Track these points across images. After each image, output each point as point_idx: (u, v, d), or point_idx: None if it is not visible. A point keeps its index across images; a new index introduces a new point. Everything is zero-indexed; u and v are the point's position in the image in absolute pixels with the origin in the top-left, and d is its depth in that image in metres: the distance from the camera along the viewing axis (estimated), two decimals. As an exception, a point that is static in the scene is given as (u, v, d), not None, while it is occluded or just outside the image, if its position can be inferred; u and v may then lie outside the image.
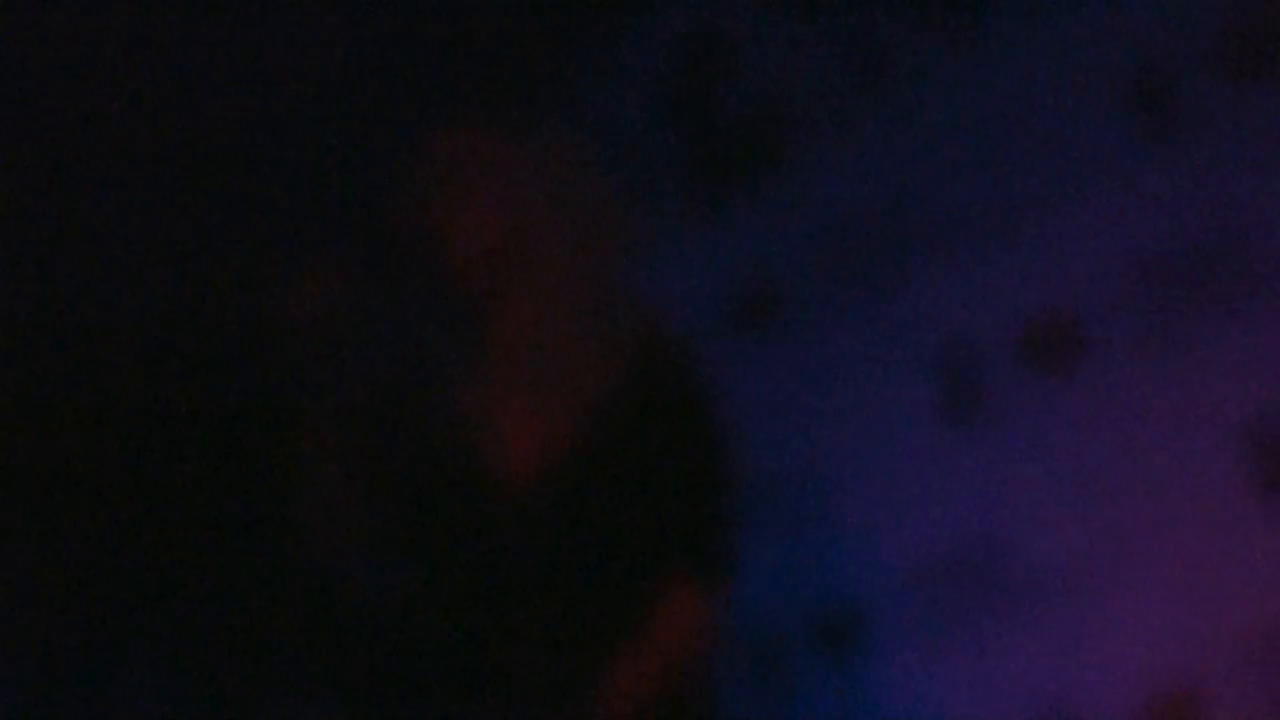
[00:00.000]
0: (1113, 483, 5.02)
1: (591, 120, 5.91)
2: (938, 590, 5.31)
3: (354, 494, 3.07)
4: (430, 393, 3.08)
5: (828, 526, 5.50)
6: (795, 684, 5.55)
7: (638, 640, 3.05)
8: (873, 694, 5.41)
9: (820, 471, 5.52)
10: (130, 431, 4.18)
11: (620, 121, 5.90)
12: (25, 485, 4.23)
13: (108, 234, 4.56)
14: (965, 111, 5.35)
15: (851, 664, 5.46)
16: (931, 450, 5.33)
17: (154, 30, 4.63)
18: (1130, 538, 4.99)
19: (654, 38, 5.93)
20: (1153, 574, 4.95)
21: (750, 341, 5.68)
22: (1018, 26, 5.28)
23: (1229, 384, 4.85)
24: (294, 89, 4.82)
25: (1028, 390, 5.19)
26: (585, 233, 3.20)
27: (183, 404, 3.52)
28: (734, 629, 3.13)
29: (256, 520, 3.19)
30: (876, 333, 5.47)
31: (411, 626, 3.04)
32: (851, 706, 5.43)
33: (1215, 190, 4.93)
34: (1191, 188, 4.97)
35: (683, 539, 3.10)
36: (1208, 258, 4.97)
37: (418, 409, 3.12)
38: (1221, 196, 4.92)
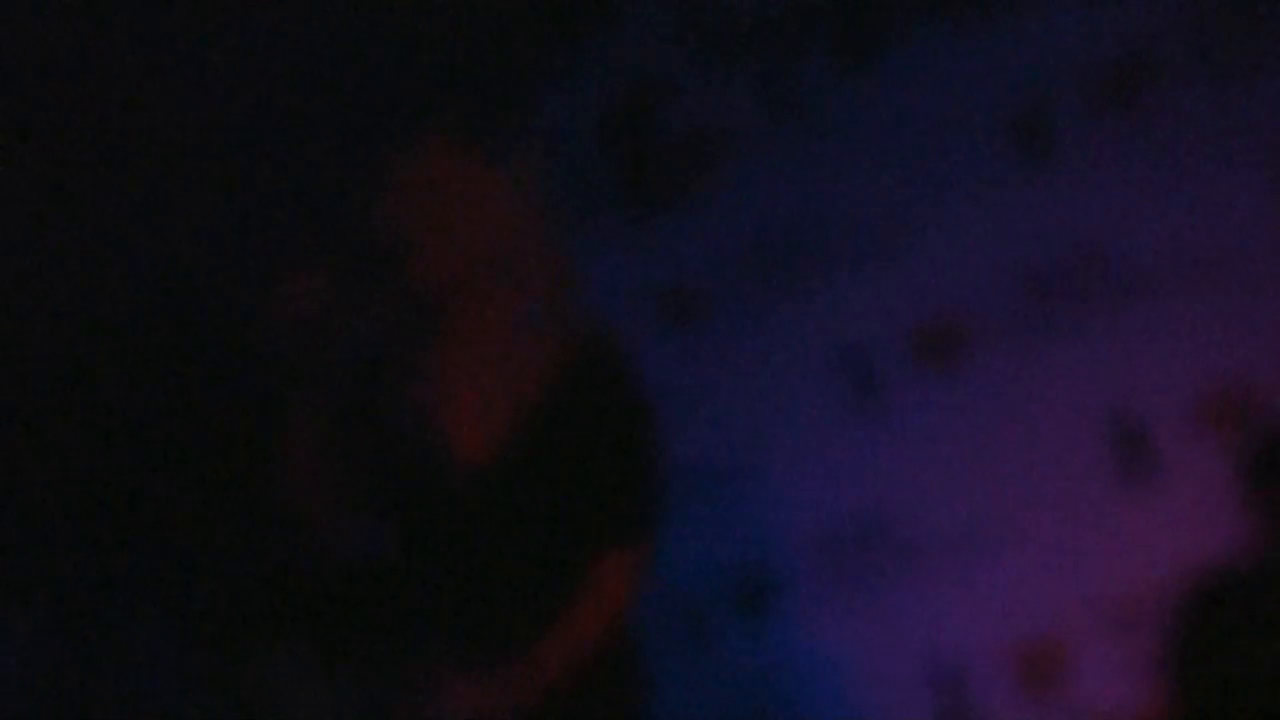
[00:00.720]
0: (991, 464, 5.08)
1: (542, 143, 5.91)
2: (840, 557, 5.34)
3: (330, 468, 3.11)
4: (396, 382, 3.12)
5: (743, 501, 5.51)
6: (714, 642, 5.57)
7: (576, 600, 3.08)
8: (784, 650, 5.42)
9: (737, 453, 5.53)
10: (139, 413, 4.17)
11: (567, 144, 5.90)
12: (44, 461, 4.22)
13: (119, 237, 4.54)
14: (866, 136, 5.36)
15: (764, 623, 5.47)
16: (835, 435, 5.36)
17: (147, 38, 4.57)
18: (1006, 512, 5.05)
19: (596, 71, 5.93)
20: (1025, 544, 5.00)
21: (675, 337, 5.68)
22: (912, 62, 5.30)
23: (1093, 379, 4.92)
24: (281, 120, 4.80)
25: (919, 383, 5.23)
26: (533, 243, 3.24)
27: (185, 389, 3.53)
28: (659, 593, 3.16)
29: (249, 489, 3.22)
30: (788, 331, 5.48)
31: (380, 581, 3.08)
32: (764, 662, 5.44)
33: (1082, 208, 4.99)
34: (1062, 206, 5.02)
35: (613, 512, 3.14)
36: (1076, 268, 5.01)
37: (385, 396, 3.16)
38: (1088, 214, 4.97)
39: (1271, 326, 4.68)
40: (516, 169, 3.20)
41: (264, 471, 3.13)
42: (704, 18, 5.72)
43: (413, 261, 3.07)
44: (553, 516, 3.10)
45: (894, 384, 5.26)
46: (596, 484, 3.13)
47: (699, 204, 5.72)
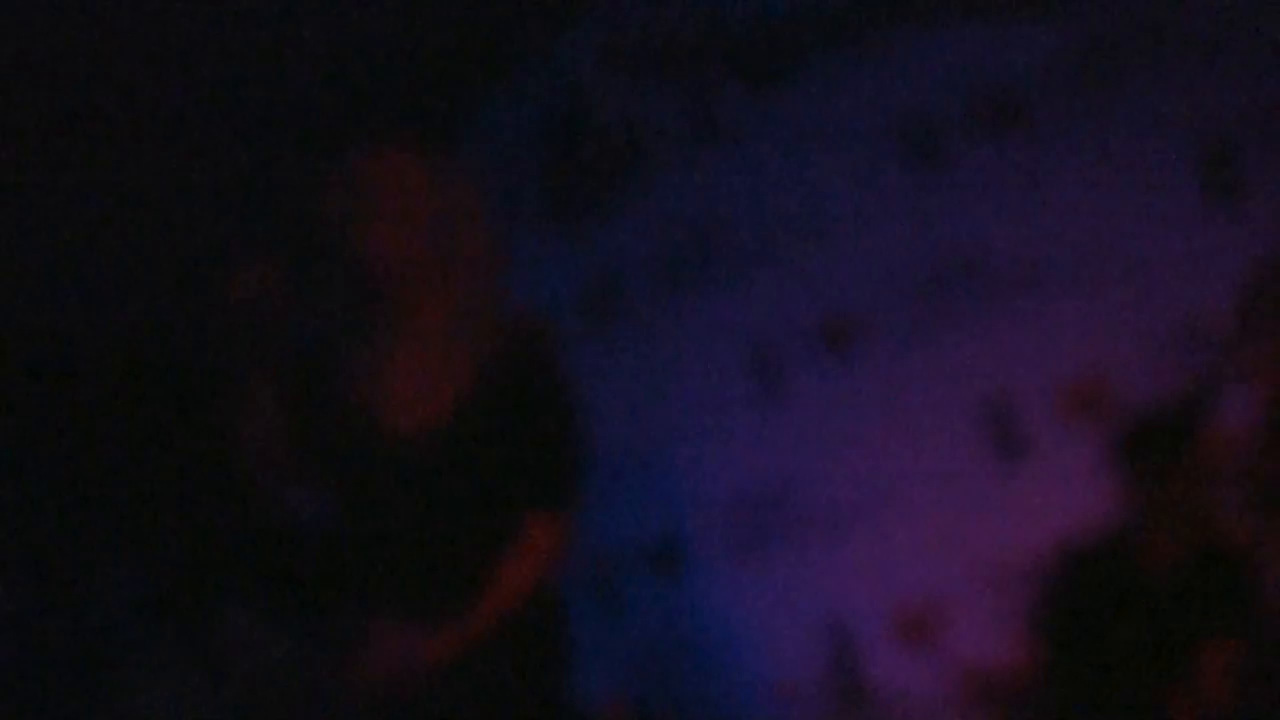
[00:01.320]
0: (881, 444, 5.12)
1: (479, 153, 5.91)
2: (743, 524, 5.37)
3: (281, 440, 3.09)
4: (342, 363, 3.11)
5: (658, 475, 5.54)
6: (629, 599, 5.60)
7: (505, 562, 3.08)
8: (692, 607, 5.44)
9: (654, 431, 5.56)
10: (110, 388, 4.13)
11: (502, 155, 5.90)
12: (29, 430, 4.17)
13: (95, 226, 4.49)
14: (775, 151, 5.40)
15: (675, 583, 5.51)
16: (742, 416, 5.40)
17: (113, 37, 4.51)
18: (895, 484, 5.09)
19: (530, 89, 5.94)
20: (909, 514, 5.04)
21: (600, 329, 5.70)
22: (818, 86, 5.34)
23: (971, 369, 4.95)
24: (241, 124, 4.78)
25: (819, 371, 5.27)
26: (472, 240, 3.24)
27: (154, 366, 3.50)
28: (581, 555, 3.16)
29: (210, 455, 3.20)
30: (702, 323, 5.51)
31: (326, 543, 3.07)
32: (674, 618, 5.46)
33: (965, 217, 5.02)
34: (947, 215, 5.06)
35: (539, 483, 3.14)
36: (959, 271, 5.05)
37: (333, 375, 3.14)
38: (970, 222, 5.00)
39: (1131, 323, 4.71)
40: (457, 173, 3.18)
41: (222, 443, 3.11)
42: (632, 43, 5.74)
43: (359, 252, 3.06)
44: (484, 487, 3.08)
45: (795, 372, 5.32)
46: (524, 458, 3.12)
47: (624, 208, 5.74)
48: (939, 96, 5.07)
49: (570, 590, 3.20)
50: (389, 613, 2.98)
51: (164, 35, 4.59)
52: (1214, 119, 4.58)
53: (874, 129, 5.18)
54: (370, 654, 2.95)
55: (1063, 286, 4.82)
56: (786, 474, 5.29)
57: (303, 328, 3.05)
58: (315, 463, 3.09)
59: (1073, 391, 4.82)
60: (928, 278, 5.09)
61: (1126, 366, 4.67)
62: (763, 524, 5.33)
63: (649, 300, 5.65)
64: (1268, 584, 3.85)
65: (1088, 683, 4.06)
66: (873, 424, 5.13)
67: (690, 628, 5.44)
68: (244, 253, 3.00)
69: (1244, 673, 3.73)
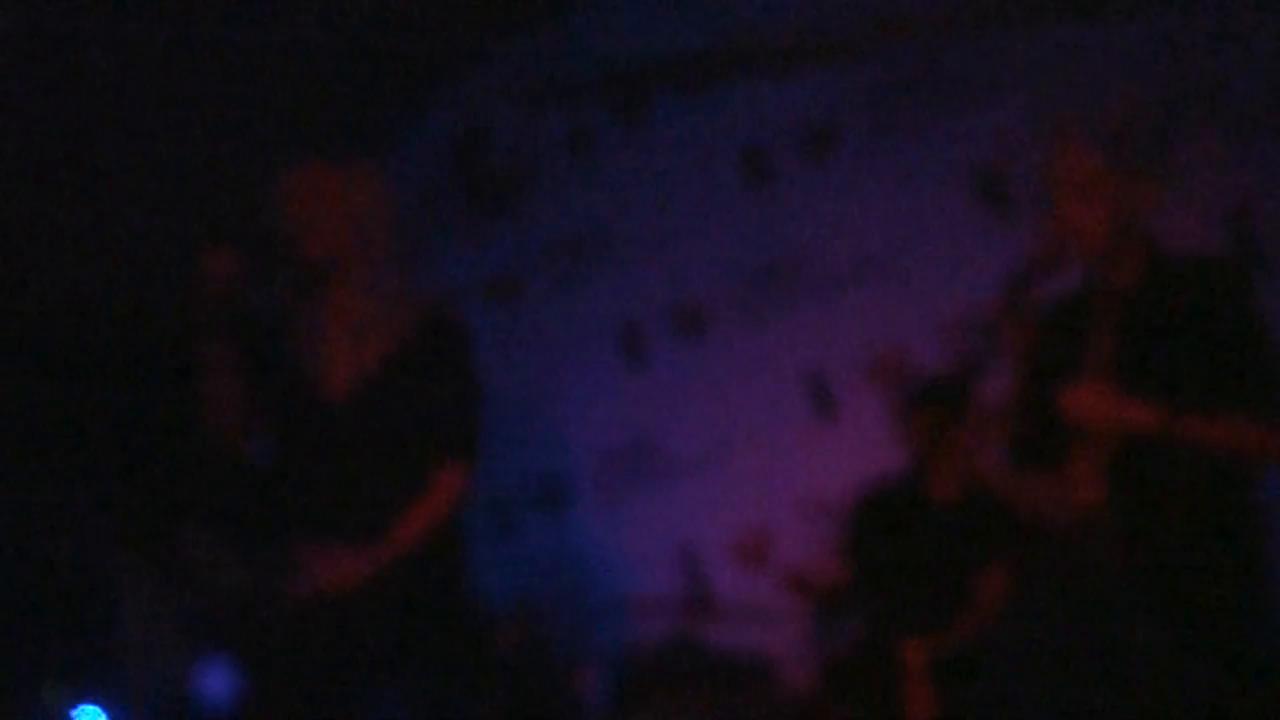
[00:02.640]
0: (724, 407, 5.12)
1: (401, 165, 5.84)
2: (616, 469, 5.36)
3: (237, 396, 3.05)
4: (286, 333, 3.07)
5: (546, 427, 5.51)
6: (521, 533, 5.57)
7: (418, 499, 3.05)
8: (573, 539, 5.42)
9: (541, 391, 5.53)
10: (88, 359, 4.03)
11: (421, 169, 5.84)
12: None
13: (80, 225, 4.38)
14: (636, 169, 5.39)
15: (560, 518, 5.49)
16: (614, 380, 5.38)
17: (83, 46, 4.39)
18: (734, 440, 5.09)
19: (443, 113, 5.88)
20: (747, 465, 5.05)
21: (499, 311, 5.66)
22: (671, 115, 5.32)
23: (795, 347, 4.97)
24: (206, 143, 4.69)
25: (674, 348, 5.26)
26: (392, 237, 3.20)
27: (128, 340, 3.43)
28: (481, 490, 3.14)
29: (177, 413, 3.13)
30: (582, 308, 5.47)
31: (272, 480, 3.02)
32: (559, 549, 5.43)
33: (792, 225, 5.04)
34: (775, 223, 5.07)
35: (449, 434, 3.11)
36: (786, 268, 5.06)
37: (279, 343, 3.10)
38: (796, 229, 5.02)
39: (921, 311, 4.74)
40: (381, 184, 3.15)
41: (189, 401, 3.05)
42: (527, 81, 5.70)
43: (300, 245, 3.02)
44: (399, 438, 3.05)
45: (655, 346, 5.30)
46: (433, 416, 3.09)
47: (519, 214, 5.70)
48: (769, 129, 5.09)
49: (472, 518, 3.18)
50: (320, 538, 2.95)
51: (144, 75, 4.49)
52: (984, 147, 4.63)
53: (716, 154, 5.17)
54: (303, 572, 2.92)
55: (868, 281, 4.85)
56: (648, 429, 5.29)
57: (256, 305, 3.01)
58: (262, 415, 3.05)
59: (875, 365, 4.86)
60: (761, 273, 5.10)
61: (918, 345, 4.73)
62: (631, 470, 5.33)
63: (539, 287, 5.62)
64: (1025, 520, 3.89)
65: (889, 598, 4.08)
66: (717, 390, 5.13)
67: (571, 554, 5.41)
68: (210, 245, 2.95)
69: (1012, 593, 3.76)
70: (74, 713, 3.99)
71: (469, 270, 5.71)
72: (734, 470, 5.07)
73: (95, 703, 4.03)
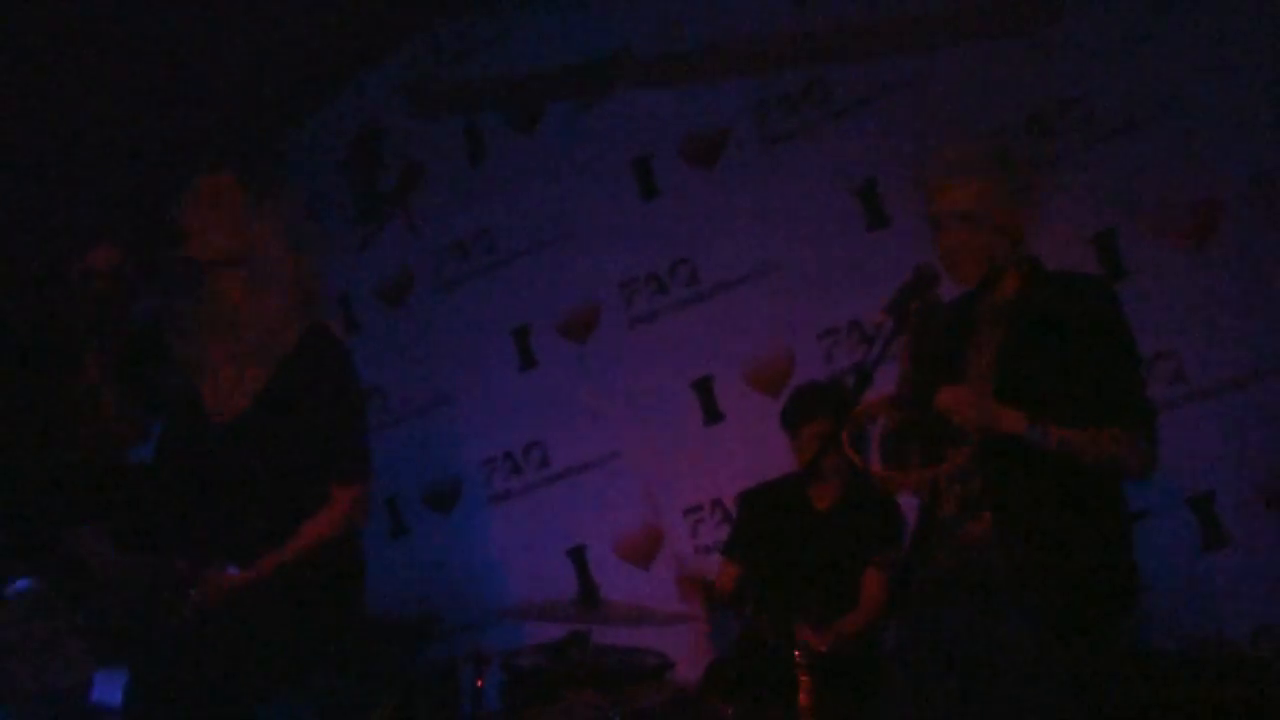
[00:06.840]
0: (613, 410, 5.10)
1: (297, 170, 5.76)
2: (507, 471, 5.32)
3: (118, 398, 2.96)
4: (170, 341, 2.99)
5: (439, 430, 5.47)
6: (414, 531, 5.52)
7: (311, 517, 2.99)
8: (465, 537, 5.38)
9: (436, 396, 5.49)
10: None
11: (316, 171, 5.76)
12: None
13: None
14: (531, 176, 5.35)
15: (451, 518, 5.44)
16: (506, 384, 5.34)
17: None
18: (623, 444, 5.07)
19: (339, 119, 5.81)
20: (638, 469, 5.03)
21: (392, 313, 5.61)
22: (561, 126, 5.29)
23: (685, 354, 4.95)
24: (103, 147, 4.59)
25: (564, 353, 5.23)
26: (286, 242, 3.13)
27: (11, 331, 3.30)
28: (376, 496, 3.08)
29: (57, 410, 3.03)
30: (475, 311, 5.43)
31: (155, 492, 2.94)
32: (450, 546, 5.40)
33: (678, 232, 5.03)
34: (664, 230, 5.06)
35: (341, 458, 3.04)
36: (669, 275, 5.05)
37: (161, 348, 3.02)
38: (681, 236, 5.02)
39: (800, 317, 4.76)
40: (274, 189, 3.08)
41: (66, 399, 2.96)
42: (422, 88, 5.63)
43: (185, 246, 2.95)
44: (284, 459, 2.99)
45: (548, 352, 5.27)
46: (317, 439, 3.03)
47: (412, 218, 5.64)
48: (655, 139, 5.08)
49: (368, 525, 3.14)
50: (202, 554, 2.89)
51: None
52: (863, 163, 4.67)
53: (607, 162, 5.15)
54: (195, 581, 2.86)
55: (756, 289, 4.85)
56: (541, 431, 5.25)
57: (138, 306, 2.94)
58: (142, 419, 2.98)
59: (755, 370, 4.85)
60: (649, 279, 5.07)
61: (806, 352, 4.74)
62: (523, 472, 5.30)
63: (432, 290, 5.56)
64: (906, 516, 3.94)
65: (776, 593, 4.09)
66: (607, 395, 5.10)
67: (463, 553, 5.37)
68: (92, 240, 2.87)
69: (895, 585, 3.79)
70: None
71: (363, 272, 5.65)
72: (624, 473, 5.04)
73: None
